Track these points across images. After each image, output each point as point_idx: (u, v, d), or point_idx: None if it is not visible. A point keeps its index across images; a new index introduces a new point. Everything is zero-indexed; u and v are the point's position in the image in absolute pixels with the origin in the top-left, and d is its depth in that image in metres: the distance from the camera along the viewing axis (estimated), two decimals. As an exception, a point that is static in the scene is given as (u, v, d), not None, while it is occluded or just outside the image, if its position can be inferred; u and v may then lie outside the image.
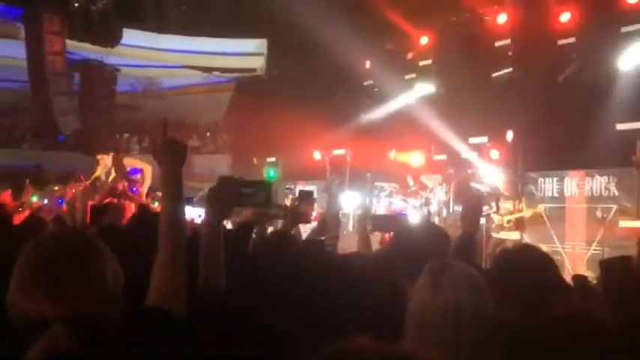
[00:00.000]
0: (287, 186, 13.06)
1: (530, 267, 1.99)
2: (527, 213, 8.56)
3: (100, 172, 9.42)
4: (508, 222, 8.41)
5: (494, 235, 8.36)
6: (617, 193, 8.08)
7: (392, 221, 3.67)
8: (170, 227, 1.77)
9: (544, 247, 8.44)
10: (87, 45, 13.51)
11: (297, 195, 3.57)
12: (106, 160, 9.08)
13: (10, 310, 1.31)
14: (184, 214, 1.90)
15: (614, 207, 7.95)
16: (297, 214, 3.18)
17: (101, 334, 1.32)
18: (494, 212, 8.55)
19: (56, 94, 12.32)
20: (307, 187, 12.51)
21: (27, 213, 5.75)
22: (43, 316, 1.27)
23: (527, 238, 8.58)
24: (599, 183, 8.34)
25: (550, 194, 8.92)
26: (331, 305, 1.66)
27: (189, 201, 7.48)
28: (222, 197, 2.16)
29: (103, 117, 14.35)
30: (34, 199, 7.85)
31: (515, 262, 2.05)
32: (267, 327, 1.75)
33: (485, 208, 8.04)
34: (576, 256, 8.07)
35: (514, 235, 8.39)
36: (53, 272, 1.32)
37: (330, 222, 3.48)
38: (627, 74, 8.52)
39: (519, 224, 8.45)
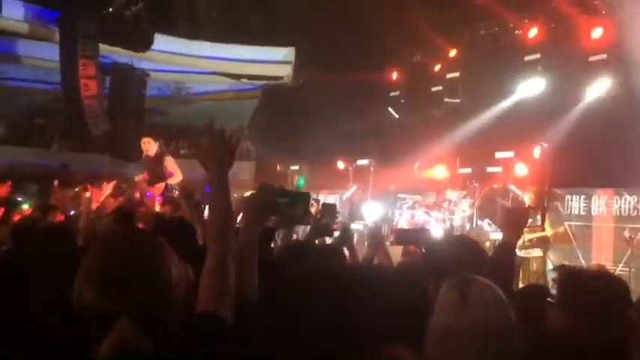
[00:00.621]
0: (312, 196, 13.11)
1: (609, 291, 2.01)
2: (549, 231, 8.39)
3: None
4: (529, 240, 8.26)
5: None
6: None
7: (415, 235, 3.64)
8: (219, 232, 1.74)
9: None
10: (118, 49, 13.77)
11: (320, 208, 3.54)
12: (149, 145, 8.89)
13: (76, 303, 1.35)
14: (232, 218, 1.85)
15: (643, 227, 7.76)
16: (320, 226, 3.18)
17: (166, 332, 1.34)
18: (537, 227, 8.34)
19: (87, 97, 12.57)
20: (330, 199, 12.54)
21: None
22: (108, 311, 1.30)
23: (552, 257, 8.43)
24: (628, 202, 8.17)
25: (577, 212, 8.77)
26: (356, 313, 1.67)
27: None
28: (260, 205, 2.15)
29: (131, 120, 14.57)
30: (25, 206, 7.59)
31: (593, 285, 2.05)
32: (298, 335, 1.75)
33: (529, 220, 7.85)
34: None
35: (536, 253, 8.23)
36: (122, 268, 1.36)
37: (371, 240, 3.40)
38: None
39: (541, 242, 8.26)
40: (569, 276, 2.24)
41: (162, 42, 14.32)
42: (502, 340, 1.66)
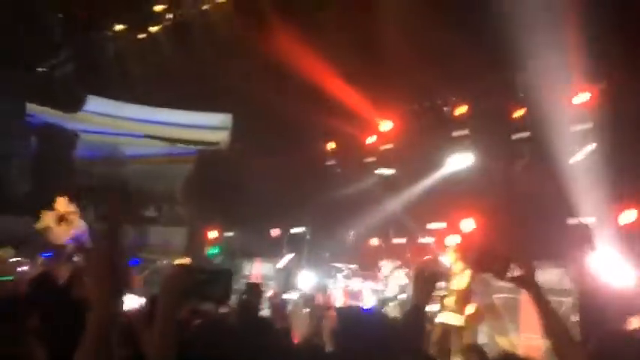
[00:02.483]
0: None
1: None
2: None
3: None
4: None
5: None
6: (569, 287, 8.17)
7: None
8: None
9: (500, 339, 8.43)
10: (47, 109, 13.36)
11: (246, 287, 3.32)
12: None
13: None
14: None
15: (569, 300, 8.00)
16: (246, 305, 3.01)
17: None
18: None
19: (9, 156, 12.01)
20: (264, 268, 12.31)
21: None
22: None
23: (483, 329, 8.54)
24: (554, 275, 8.45)
25: (505, 284, 8.96)
26: None
27: None
28: (177, 288, 2.03)
29: (58, 182, 13.97)
30: None
31: None
32: None
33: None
34: (531, 348, 8.04)
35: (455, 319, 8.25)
36: None
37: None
38: (578, 170, 8.92)
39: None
40: None
41: (95, 104, 14.05)
42: None
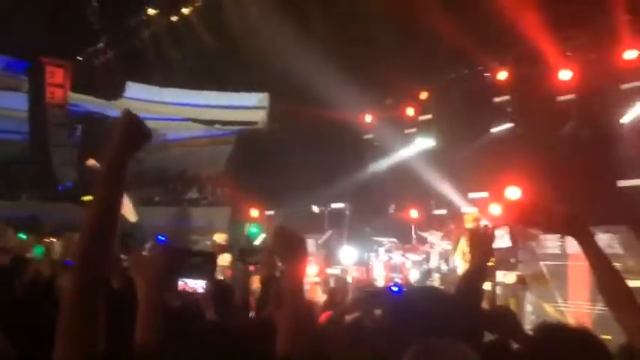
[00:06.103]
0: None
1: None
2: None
3: None
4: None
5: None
6: (621, 252, 7.83)
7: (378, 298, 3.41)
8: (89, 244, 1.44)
9: (547, 306, 8.16)
10: (90, 98, 13.68)
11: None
12: None
13: None
14: (113, 225, 1.50)
15: (618, 265, 7.66)
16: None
17: None
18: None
19: (55, 146, 12.39)
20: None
21: None
22: None
23: (529, 296, 8.30)
24: (602, 241, 8.09)
25: (552, 251, 8.66)
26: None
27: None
28: (157, 266, 2.11)
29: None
30: None
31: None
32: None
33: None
34: (580, 316, 7.76)
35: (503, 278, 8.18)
36: None
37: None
38: (628, 131, 8.47)
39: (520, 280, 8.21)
40: (548, 334, 2.05)
41: (134, 90, 14.29)
42: None
